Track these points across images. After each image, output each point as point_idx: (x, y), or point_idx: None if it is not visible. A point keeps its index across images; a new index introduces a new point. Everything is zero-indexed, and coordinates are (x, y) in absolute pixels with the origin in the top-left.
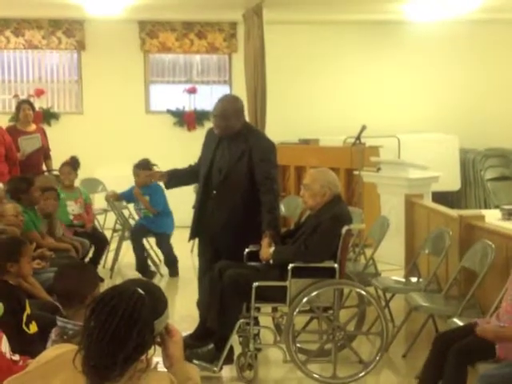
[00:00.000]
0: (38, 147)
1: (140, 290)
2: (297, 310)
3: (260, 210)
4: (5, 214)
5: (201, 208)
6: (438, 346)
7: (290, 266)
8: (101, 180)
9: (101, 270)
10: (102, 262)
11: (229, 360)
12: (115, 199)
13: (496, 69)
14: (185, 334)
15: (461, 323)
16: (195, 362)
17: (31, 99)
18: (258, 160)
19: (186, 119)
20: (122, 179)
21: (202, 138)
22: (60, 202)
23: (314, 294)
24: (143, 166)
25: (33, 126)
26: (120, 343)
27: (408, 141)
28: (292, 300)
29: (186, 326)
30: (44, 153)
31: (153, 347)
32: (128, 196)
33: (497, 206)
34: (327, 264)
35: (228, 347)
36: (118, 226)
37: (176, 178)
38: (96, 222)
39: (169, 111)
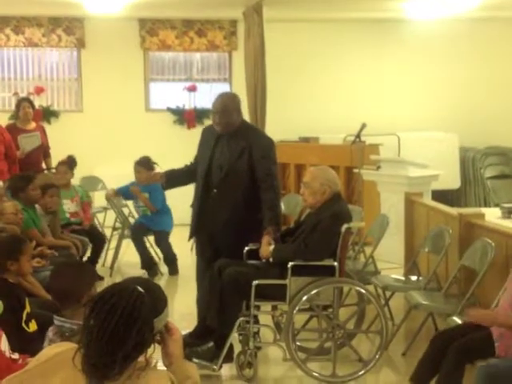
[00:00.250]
0: (37, 145)
1: (139, 288)
2: (296, 308)
3: (260, 207)
4: (4, 212)
5: (200, 206)
6: (438, 344)
7: (290, 264)
8: (100, 178)
9: (100, 269)
10: (101, 260)
11: (228, 358)
12: (114, 196)
13: (496, 67)
14: (184, 332)
15: (460, 321)
16: (195, 360)
17: (31, 97)
18: (259, 157)
19: (186, 117)
20: (121, 177)
21: None
22: None
23: (314, 292)
24: (145, 164)
25: (32, 124)
26: (119, 341)
27: (408, 139)
28: (292, 298)
29: (185, 324)
30: (44, 151)
31: (152, 346)
32: (125, 193)
33: (497, 205)
34: (327, 262)
35: (228, 345)
36: (118, 225)
37: (173, 179)
38: (96, 221)
39: (169, 109)
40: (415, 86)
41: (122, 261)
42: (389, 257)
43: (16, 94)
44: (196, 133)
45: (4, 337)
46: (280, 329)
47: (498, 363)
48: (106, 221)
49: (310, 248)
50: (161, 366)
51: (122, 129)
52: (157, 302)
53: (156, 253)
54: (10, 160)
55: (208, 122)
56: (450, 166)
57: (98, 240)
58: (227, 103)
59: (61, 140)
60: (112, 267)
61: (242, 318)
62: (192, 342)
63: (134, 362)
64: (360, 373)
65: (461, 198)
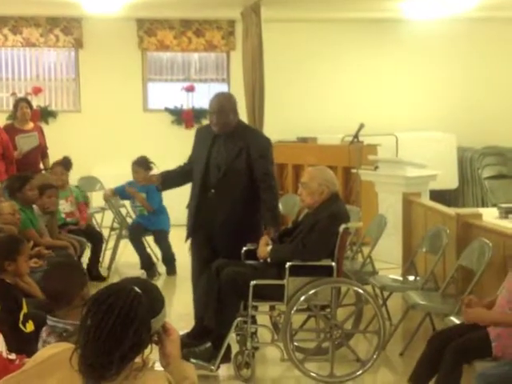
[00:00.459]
0: (35, 145)
1: (137, 289)
2: (294, 308)
3: (258, 206)
4: (2, 213)
5: (197, 207)
6: (436, 345)
7: (288, 264)
8: (98, 178)
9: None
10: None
11: (226, 358)
12: (112, 196)
13: (494, 67)
14: (182, 332)
15: (458, 321)
16: (192, 360)
17: (29, 97)
18: (257, 157)
19: (184, 117)
20: (119, 177)
21: None
22: None
23: (312, 292)
24: (143, 164)
25: (30, 125)
26: (116, 342)
27: (406, 139)
28: (289, 298)
29: (183, 324)
30: (41, 151)
31: (150, 346)
32: (122, 192)
33: (494, 205)
34: (325, 262)
35: (225, 346)
36: (116, 225)
37: (169, 180)
38: (94, 221)
39: (167, 109)
40: (413, 86)
41: (120, 261)
42: (386, 257)
43: (14, 94)
44: (194, 133)
45: (1, 337)
46: (278, 329)
47: (496, 371)
48: (104, 221)
49: (307, 248)
50: (158, 367)
51: (120, 129)
52: (154, 302)
53: (154, 253)
54: (7, 160)
55: (206, 122)
56: (448, 166)
57: (95, 239)
58: (224, 103)
59: (59, 140)
60: (110, 268)
61: (239, 319)
62: (190, 343)
63: (131, 363)
64: (358, 373)
65: (458, 198)
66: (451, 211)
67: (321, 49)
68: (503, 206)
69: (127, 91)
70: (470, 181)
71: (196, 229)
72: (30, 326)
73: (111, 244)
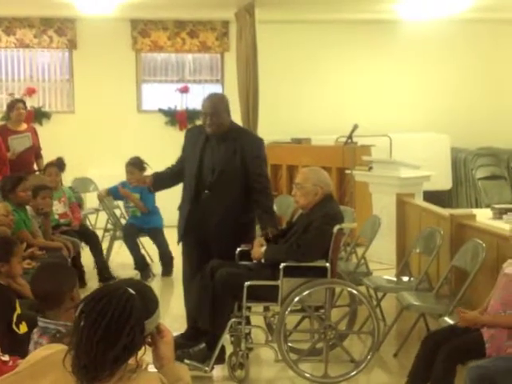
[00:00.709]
0: (28, 146)
1: (130, 290)
2: (288, 309)
3: (252, 207)
4: None
5: (190, 209)
6: (430, 345)
7: (282, 265)
8: (92, 179)
9: (92, 271)
10: (92, 261)
11: (220, 360)
12: (107, 197)
13: (487, 68)
14: (176, 333)
15: (452, 322)
16: (186, 361)
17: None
18: (252, 157)
19: (178, 118)
20: (113, 178)
21: None
22: None
23: (306, 293)
24: (137, 165)
25: (24, 126)
26: (110, 343)
27: (400, 140)
28: (284, 299)
29: (177, 326)
30: (35, 152)
31: (143, 347)
32: (115, 193)
33: (488, 205)
34: (319, 263)
35: (219, 347)
36: (110, 226)
37: (160, 181)
38: (87, 222)
39: (161, 110)
40: (407, 87)
41: (114, 262)
42: (381, 258)
43: (12, 94)
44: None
45: None
46: (272, 330)
47: (487, 364)
48: (98, 222)
49: (302, 249)
50: (152, 368)
51: (113, 130)
52: (148, 303)
53: (148, 255)
54: (0, 161)
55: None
56: (442, 166)
57: (91, 240)
58: (217, 104)
59: (52, 141)
60: None
61: (233, 319)
62: (184, 343)
63: (124, 364)
64: (352, 373)
65: (452, 198)
66: (445, 212)
67: (315, 50)
68: (497, 206)
69: (121, 92)
70: (464, 182)
71: (188, 232)
72: (23, 328)
73: (105, 245)
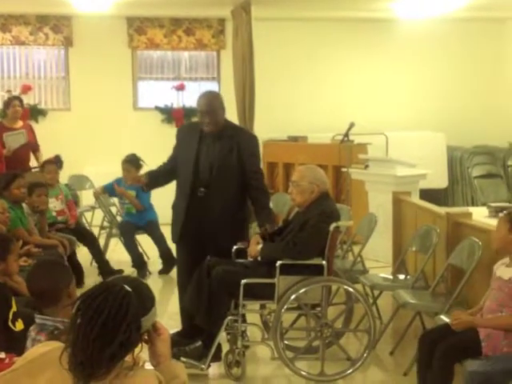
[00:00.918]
0: (23, 143)
1: (127, 287)
2: (285, 307)
3: (246, 203)
4: None
5: (186, 207)
6: (426, 343)
7: (279, 263)
8: (88, 177)
9: (88, 268)
10: (89, 258)
11: (216, 357)
12: (103, 194)
13: (483, 67)
14: (172, 331)
15: (448, 320)
16: (183, 359)
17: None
18: (249, 155)
19: (174, 116)
20: (109, 176)
21: None
22: None
23: (302, 291)
24: (133, 162)
25: (19, 123)
26: (107, 340)
27: (396, 138)
28: (280, 297)
29: (173, 323)
30: (32, 148)
31: (140, 345)
32: (110, 190)
33: (484, 204)
34: (315, 261)
35: (216, 344)
36: (106, 223)
37: (153, 179)
38: (83, 219)
39: (157, 108)
40: (403, 85)
41: (111, 260)
42: (377, 256)
43: (9, 91)
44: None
45: None
46: (268, 328)
47: (486, 367)
48: (94, 220)
49: (298, 247)
50: (148, 366)
51: (109, 127)
52: (144, 300)
53: (145, 252)
54: None
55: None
56: (438, 165)
57: (85, 236)
58: (214, 102)
59: (48, 139)
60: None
61: (230, 317)
62: (180, 341)
63: (121, 361)
64: (348, 371)
65: (448, 197)
66: (441, 210)
67: (311, 48)
68: (493, 205)
69: (117, 90)
70: (460, 180)
71: (184, 232)
72: (19, 325)
73: (101, 243)
